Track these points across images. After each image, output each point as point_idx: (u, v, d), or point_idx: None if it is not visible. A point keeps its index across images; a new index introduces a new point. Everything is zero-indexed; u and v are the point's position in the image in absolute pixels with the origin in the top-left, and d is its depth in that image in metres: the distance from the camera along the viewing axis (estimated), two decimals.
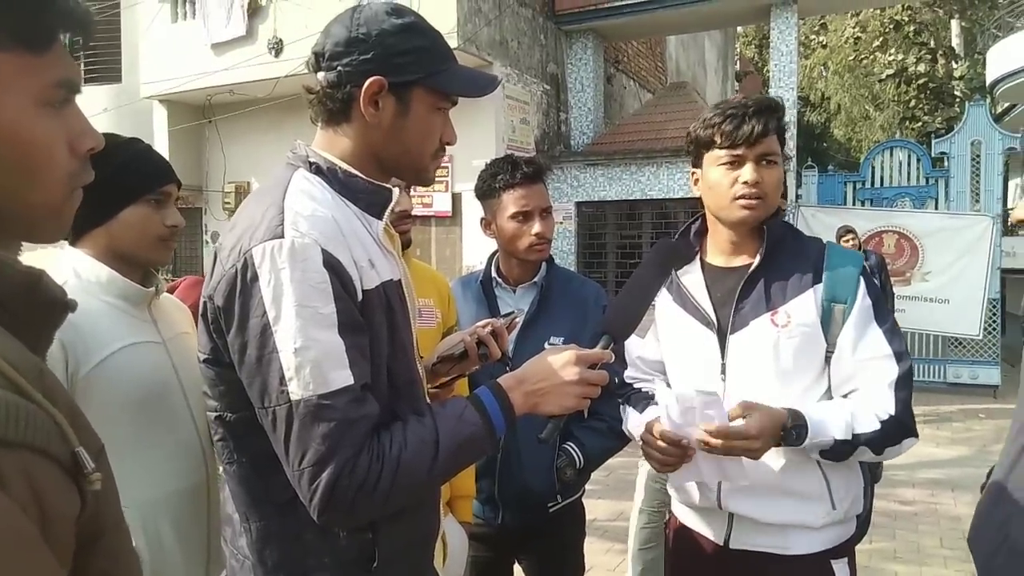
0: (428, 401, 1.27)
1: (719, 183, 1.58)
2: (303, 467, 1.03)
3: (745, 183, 1.55)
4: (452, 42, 7.75)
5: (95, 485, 0.62)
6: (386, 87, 1.13)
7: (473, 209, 8.58)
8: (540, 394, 1.16)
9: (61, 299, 0.71)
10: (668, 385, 1.71)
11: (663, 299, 1.71)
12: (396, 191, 1.25)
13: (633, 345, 1.78)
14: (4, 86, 0.65)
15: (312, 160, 1.18)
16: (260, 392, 1.05)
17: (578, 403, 1.18)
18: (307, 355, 1.02)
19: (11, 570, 0.52)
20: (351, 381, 1.04)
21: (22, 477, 0.55)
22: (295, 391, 1.02)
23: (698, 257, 1.69)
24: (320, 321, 1.03)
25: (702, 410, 1.42)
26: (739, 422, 1.41)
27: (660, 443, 1.50)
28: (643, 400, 1.71)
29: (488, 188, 2.06)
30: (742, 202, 1.56)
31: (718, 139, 1.57)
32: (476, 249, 8.53)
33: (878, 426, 1.46)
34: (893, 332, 1.53)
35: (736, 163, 1.56)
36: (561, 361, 1.17)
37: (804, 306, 1.53)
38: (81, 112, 0.72)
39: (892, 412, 1.47)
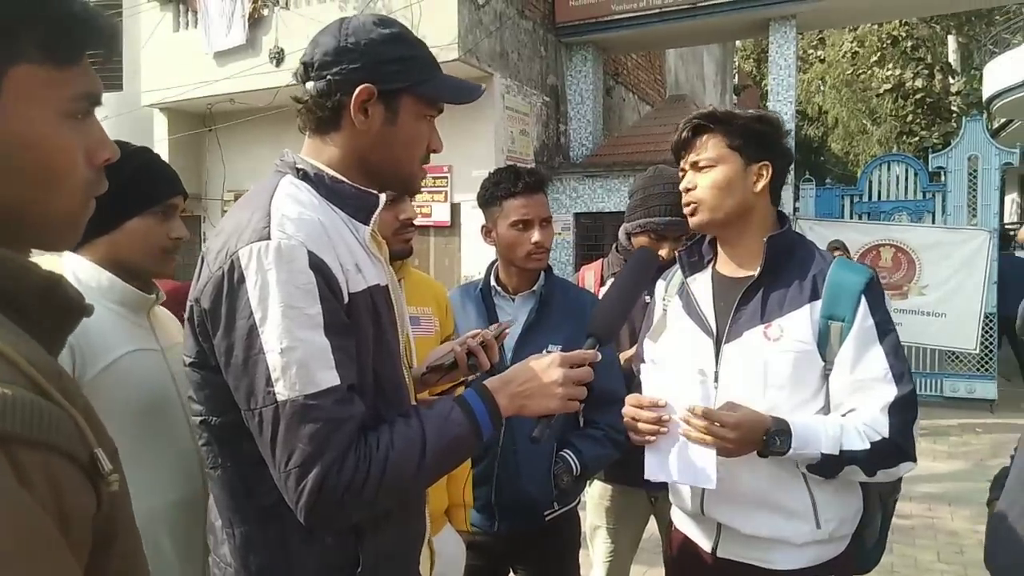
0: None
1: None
2: (290, 468, 1.03)
3: (683, 191, 1.63)
4: (452, 53, 7.77)
5: (112, 486, 0.63)
6: (376, 95, 1.16)
7: (472, 219, 8.59)
8: (525, 395, 1.18)
9: (78, 303, 0.73)
10: None
11: (673, 305, 1.74)
12: (383, 197, 1.26)
13: (647, 347, 1.80)
14: (32, 98, 0.67)
15: (300, 167, 1.20)
16: (247, 394, 1.05)
17: (563, 404, 1.19)
18: (293, 355, 1.02)
19: (32, 567, 0.53)
20: (337, 381, 1.04)
21: (44, 476, 0.56)
22: (281, 392, 1.02)
23: (711, 266, 1.71)
24: (306, 322, 1.04)
25: (691, 388, 1.45)
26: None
27: (643, 403, 1.51)
28: None
29: (490, 196, 2.09)
30: (685, 209, 1.63)
31: (673, 155, 1.66)
32: (475, 259, 8.54)
33: (867, 446, 1.44)
34: (895, 354, 1.49)
35: (684, 173, 1.64)
36: (545, 363, 1.19)
37: (799, 321, 1.52)
38: (99, 123, 0.74)
39: (885, 435, 1.45)
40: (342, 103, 1.16)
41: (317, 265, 1.06)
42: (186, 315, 1.16)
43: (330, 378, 1.04)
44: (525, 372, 1.19)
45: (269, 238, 1.05)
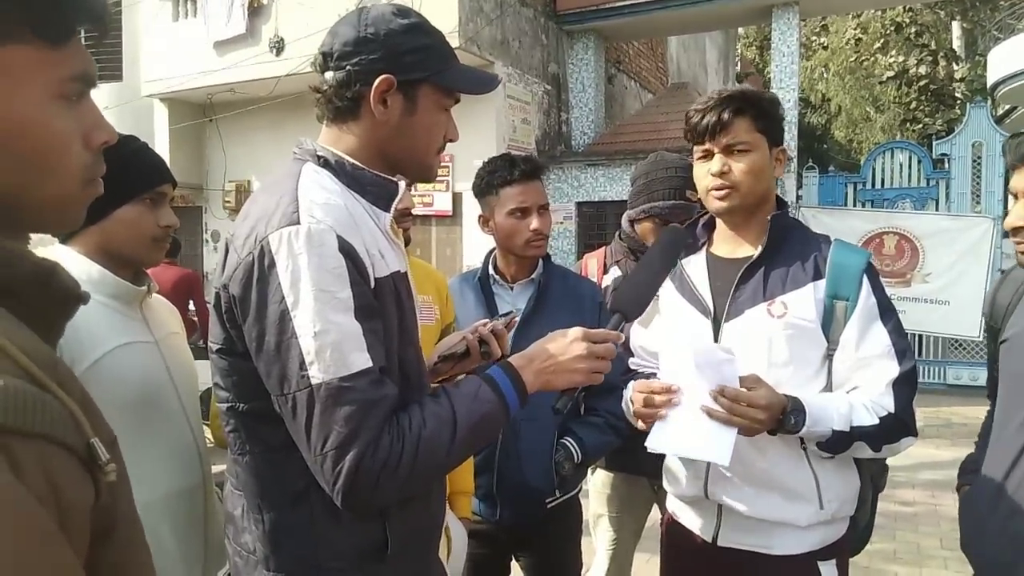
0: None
1: (697, 177, 1.63)
2: (326, 451, 1.03)
3: (712, 175, 1.58)
4: (454, 42, 7.74)
5: (110, 476, 0.62)
6: (395, 85, 1.16)
7: (473, 209, 8.55)
8: (550, 371, 1.19)
9: (75, 291, 0.72)
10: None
11: (667, 288, 1.72)
12: (402, 184, 1.26)
13: (636, 334, 1.78)
14: (23, 79, 0.65)
15: (320, 154, 1.20)
16: (279, 378, 1.06)
17: (588, 377, 1.21)
18: (327, 338, 1.03)
19: (29, 561, 0.51)
20: (370, 363, 1.05)
21: (39, 468, 0.55)
22: (316, 375, 1.03)
23: (705, 248, 1.71)
24: (338, 305, 1.04)
25: (716, 367, 1.43)
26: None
27: (655, 388, 1.50)
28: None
29: (486, 185, 2.08)
30: (714, 193, 1.59)
31: (689, 136, 1.61)
32: (477, 248, 8.53)
33: (876, 421, 1.45)
34: (897, 331, 1.52)
35: (707, 156, 1.60)
36: (569, 338, 1.21)
37: (803, 300, 1.53)
38: (95, 105, 0.73)
39: (891, 410, 1.47)
40: (361, 93, 1.16)
41: (346, 249, 1.07)
42: (211, 302, 1.16)
43: (363, 360, 1.05)
44: (549, 348, 1.20)
45: (299, 223, 1.06)
